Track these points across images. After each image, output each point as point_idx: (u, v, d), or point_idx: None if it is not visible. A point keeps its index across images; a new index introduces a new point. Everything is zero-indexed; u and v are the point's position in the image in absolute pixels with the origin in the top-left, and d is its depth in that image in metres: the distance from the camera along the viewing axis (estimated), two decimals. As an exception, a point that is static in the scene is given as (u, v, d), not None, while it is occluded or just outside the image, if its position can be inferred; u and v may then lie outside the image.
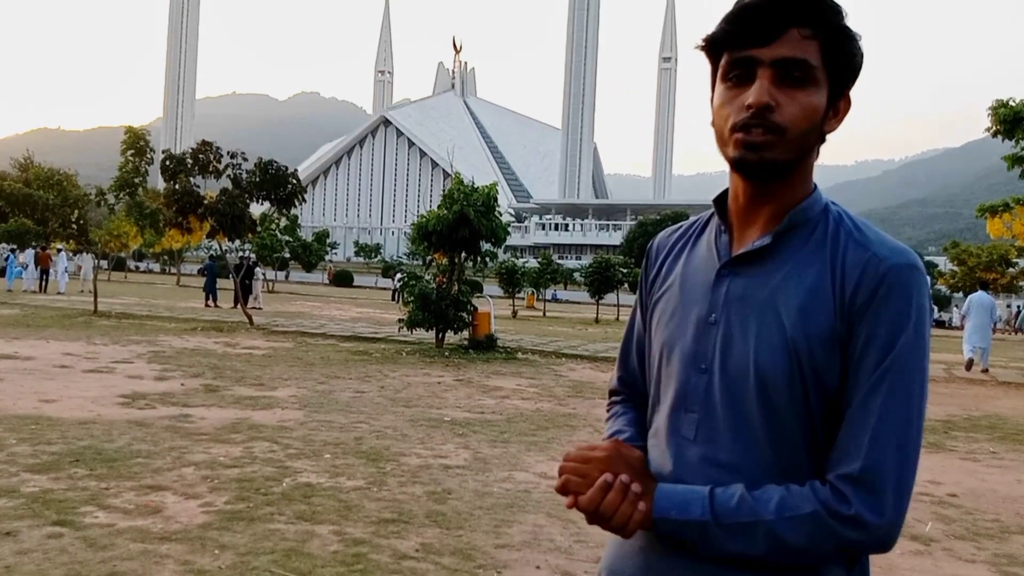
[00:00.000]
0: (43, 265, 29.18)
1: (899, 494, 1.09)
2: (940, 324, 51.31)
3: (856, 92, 1.21)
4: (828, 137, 1.21)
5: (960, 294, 58.42)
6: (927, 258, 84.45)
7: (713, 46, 1.20)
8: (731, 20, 1.16)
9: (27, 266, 30.29)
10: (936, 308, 56.94)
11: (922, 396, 1.12)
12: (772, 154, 1.14)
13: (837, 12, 1.14)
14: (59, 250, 30.58)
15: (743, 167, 1.17)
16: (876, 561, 4.97)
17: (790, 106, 1.13)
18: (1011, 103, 17.35)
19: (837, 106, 1.19)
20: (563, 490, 1.17)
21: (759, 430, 1.14)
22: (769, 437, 1.14)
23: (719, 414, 1.17)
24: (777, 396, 1.13)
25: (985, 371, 16.47)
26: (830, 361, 1.12)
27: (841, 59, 1.16)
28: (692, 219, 1.36)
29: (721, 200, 1.27)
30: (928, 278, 1.13)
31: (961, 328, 19.04)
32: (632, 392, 1.42)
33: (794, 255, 1.17)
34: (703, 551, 1.14)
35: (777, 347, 1.13)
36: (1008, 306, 46.30)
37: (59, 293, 27.98)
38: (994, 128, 17.61)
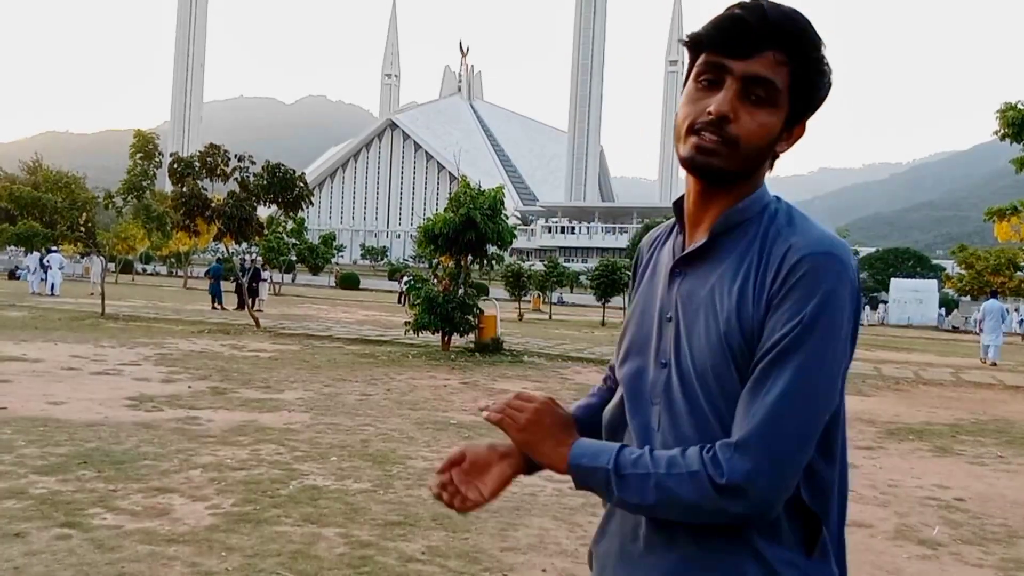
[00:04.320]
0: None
1: (776, 463, 1.11)
2: (955, 328, 51.00)
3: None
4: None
5: (967, 298, 58.13)
6: (935, 261, 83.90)
7: (696, 44, 1.24)
8: (717, 26, 1.20)
9: (33, 269, 30.40)
10: (944, 311, 56.65)
11: (818, 376, 1.13)
12: (719, 162, 1.20)
13: (816, 46, 1.19)
14: (50, 250, 30.62)
15: (691, 166, 1.23)
16: (883, 566, 4.93)
17: (748, 122, 1.19)
18: (1019, 105, 17.27)
19: (792, 131, 1.24)
20: (497, 422, 1.28)
21: (709, 419, 1.19)
22: (719, 425, 1.18)
23: (676, 405, 1.23)
24: (718, 389, 1.19)
25: (994, 364, 19.79)
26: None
27: (806, 91, 1.21)
28: (671, 221, 1.40)
29: (680, 203, 1.33)
30: (851, 267, 1.17)
31: (978, 332, 22.78)
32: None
33: (730, 254, 1.22)
34: (611, 501, 1.23)
35: (715, 343, 1.19)
36: (1016, 309, 46.02)
37: (52, 294, 28.04)
38: (1002, 131, 17.53)
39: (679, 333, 1.24)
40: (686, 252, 1.27)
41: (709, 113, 1.19)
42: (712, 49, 1.20)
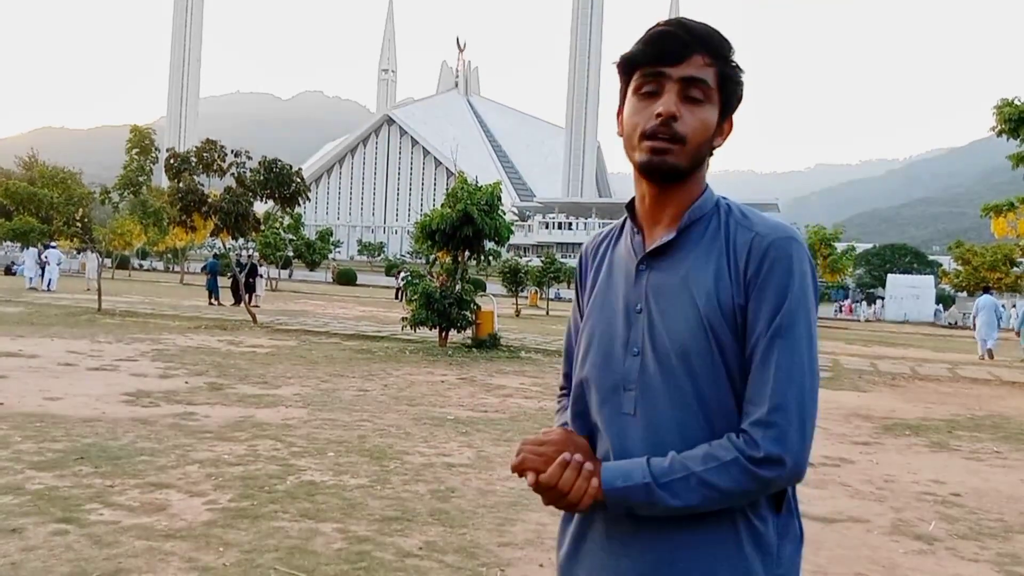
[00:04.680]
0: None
1: (801, 429, 1.27)
2: (952, 324, 51.01)
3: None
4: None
5: (964, 294, 58.21)
6: (931, 257, 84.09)
7: (628, 64, 1.39)
8: (647, 42, 1.36)
9: (31, 264, 30.29)
10: (943, 307, 56.72)
11: (811, 346, 1.30)
12: (673, 158, 1.34)
13: (731, 49, 1.38)
14: (47, 246, 30.55)
15: (648, 169, 1.36)
16: (879, 560, 4.94)
17: (691, 119, 1.34)
18: (1016, 102, 17.29)
19: (722, 127, 1.40)
20: (520, 468, 1.33)
21: (690, 397, 1.32)
22: (699, 401, 1.32)
23: (654, 389, 1.34)
24: (700, 366, 1.31)
25: (991, 356, 20.27)
26: (738, 330, 1.32)
27: (730, 88, 1.38)
28: (612, 225, 1.55)
29: (631, 206, 1.47)
30: (807, 247, 1.35)
31: (973, 328, 23.10)
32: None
33: (696, 246, 1.37)
34: (650, 512, 1.30)
35: (694, 325, 1.32)
36: (1014, 306, 46.03)
37: (48, 289, 27.98)
38: (999, 127, 17.55)
39: (652, 322, 1.36)
40: (654, 247, 1.39)
41: (658, 115, 1.32)
42: (647, 63, 1.35)
